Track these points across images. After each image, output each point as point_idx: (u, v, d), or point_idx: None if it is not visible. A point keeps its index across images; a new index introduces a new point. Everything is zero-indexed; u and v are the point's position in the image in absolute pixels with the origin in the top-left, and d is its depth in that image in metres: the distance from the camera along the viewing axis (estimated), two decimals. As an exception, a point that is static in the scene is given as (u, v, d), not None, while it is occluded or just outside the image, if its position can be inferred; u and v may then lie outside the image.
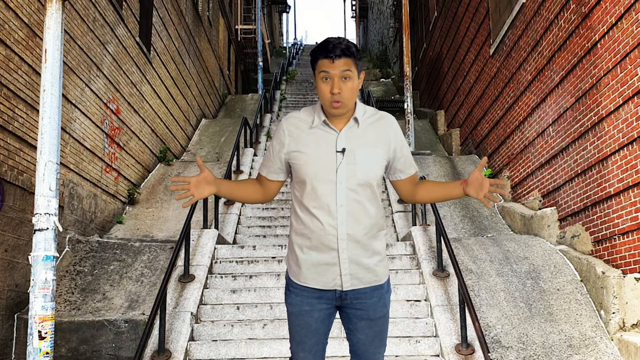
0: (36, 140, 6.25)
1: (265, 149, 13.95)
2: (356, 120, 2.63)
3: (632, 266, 5.96)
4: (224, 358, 5.90)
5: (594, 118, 6.82)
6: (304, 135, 2.62)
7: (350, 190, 2.56)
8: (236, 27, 25.08)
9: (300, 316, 2.74)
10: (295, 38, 46.04)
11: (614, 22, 6.31)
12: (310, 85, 24.18)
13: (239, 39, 25.31)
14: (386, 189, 10.71)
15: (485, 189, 2.60)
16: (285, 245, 8.08)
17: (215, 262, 7.58)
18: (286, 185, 10.11)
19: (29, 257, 4.13)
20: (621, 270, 6.15)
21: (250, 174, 11.49)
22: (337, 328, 5.84)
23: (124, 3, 10.32)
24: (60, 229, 4.24)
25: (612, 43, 6.38)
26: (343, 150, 2.57)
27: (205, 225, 8.19)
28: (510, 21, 9.84)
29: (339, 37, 2.60)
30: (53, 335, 4.08)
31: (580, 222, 7.23)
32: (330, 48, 2.53)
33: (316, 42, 48.71)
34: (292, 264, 2.74)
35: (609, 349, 5.88)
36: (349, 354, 2.96)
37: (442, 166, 11.87)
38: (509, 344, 5.95)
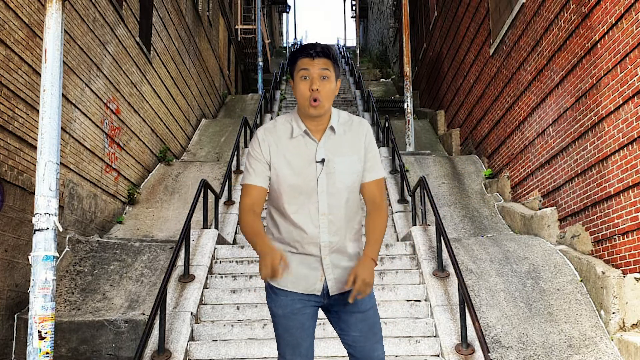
0: (36, 140, 6.25)
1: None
2: (332, 129, 2.66)
3: (632, 266, 5.96)
4: (224, 358, 5.90)
5: (594, 118, 6.82)
6: (283, 145, 2.63)
7: (331, 198, 2.60)
8: (236, 27, 25.08)
9: (293, 316, 2.68)
10: (295, 38, 46.04)
11: (614, 22, 6.31)
12: (310, 85, 24.17)
13: (239, 39, 25.31)
14: (386, 188, 10.72)
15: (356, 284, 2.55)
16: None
17: (215, 262, 7.58)
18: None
19: (29, 257, 4.13)
20: (621, 270, 6.15)
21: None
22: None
23: (124, 3, 10.32)
24: (60, 229, 4.24)
25: (612, 43, 6.38)
26: (322, 161, 2.60)
27: (205, 225, 8.19)
28: (510, 21, 9.84)
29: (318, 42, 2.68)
30: (53, 335, 4.08)
31: (580, 222, 7.23)
32: (311, 46, 2.62)
33: (316, 42, 48.57)
34: None
35: (609, 349, 5.88)
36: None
37: (442, 166, 11.87)
38: (509, 344, 5.95)
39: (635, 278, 5.86)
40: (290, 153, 2.62)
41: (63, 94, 7.58)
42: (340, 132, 2.68)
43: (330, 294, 2.68)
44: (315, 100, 2.57)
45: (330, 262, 2.64)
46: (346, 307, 2.70)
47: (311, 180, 2.59)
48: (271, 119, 17.04)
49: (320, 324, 5.52)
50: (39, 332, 3.99)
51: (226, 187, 9.84)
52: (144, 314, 6.39)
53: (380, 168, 2.78)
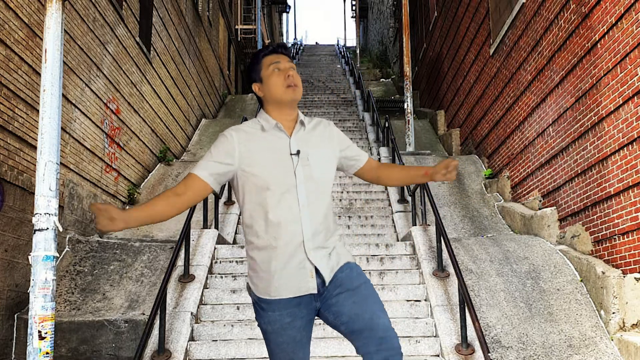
0: (36, 140, 6.25)
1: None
2: (302, 122, 2.67)
3: (632, 266, 5.96)
4: (224, 358, 5.90)
5: (594, 118, 6.82)
6: (255, 141, 2.59)
7: (309, 191, 2.57)
8: (236, 27, 25.08)
9: (283, 331, 2.58)
10: (295, 38, 46.05)
11: (614, 22, 6.31)
12: (310, 85, 24.17)
13: (239, 39, 25.31)
14: (386, 189, 10.72)
15: (449, 167, 2.72)
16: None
17: (215, 262, 7.58)
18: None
19: (29, 257, 4.13)
20: (621, 270, 6.15)
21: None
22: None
23: (124, 3, 10.32)
24: (60, 229, 4.24)
25: (612, 43, 6.38)
26: (298, 153, 2.59)
27: (205, 225, 8.19)
28: (510, 21, 9.84)
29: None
30: (53, 335, 4.08)
31: (580, 222, 7.23)
32: (274, 45, 2.69)
33: (316, 42, 48.75)
34: (257, 282, 2.61)
35: (609, 349, 5.88)
36: (356, 354, 2.78)
37: (442, 166, 11.85)
38: (509, 344, 5.95)
39: (635, 278, 5.86)
40: (263, 148, 2.58)
41: (63, 94, 7.58)
42: (310, 128, 2.70)
43: (327, 282, 2.56)
44: (292, 85, 2.61)
45: (315, 255, 2.55)
46: (334, 292, 2.56)
47: (288, 173, 2.55)
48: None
49: (320, 323, 5.52)
50: (39, 332, 3.99)
51: (226, 187, 9.84)
52: (144, 314, 6.39)
53: (363, 151, 2.89)
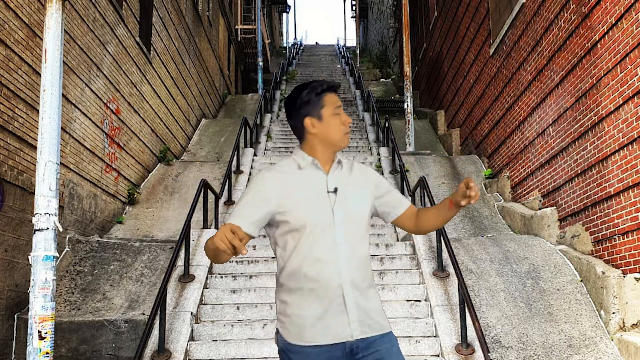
0: (36, 140, 6.25)
1: (264, 151, 13.94)
2: (340, 162, 2.58)
3: (632, 266, 5.96)
4: (224, 358, 5.90)
5: (594, 118, 6.82)
6: (291, 179, 2.48)
7: (348, 229, 2.45)
8: (236, 27, 25.07)
9: None
10: (295, 38, 46.04)
11: (614, 22, 6.31)
12: (310, 85, 24.16)
13: (239, 39, 25.31)
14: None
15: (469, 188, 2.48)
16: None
17: (215, 262, 7.57)
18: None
19: (29, 257, 4.13)
20: (621, 270, 6.15)
21: (250, 174, 11.49)
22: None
23: (124, 3, 10.32)
24: (60, 229, 4.24)
25: (612, 43, 6.38)
26: (335, 190, 2.48)
27: (205, 225, 8.19)
28: (510, 21, 9.84)
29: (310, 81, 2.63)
30: (53, 335, 4.08)
31: (580, 222, 7.23)
32: (329, 83, 2.55)
33: (316, 42, 48.67)
34: (290, 327, 2.41)
35: (609, 349, 5.88)
36: None
37: (442, 166, 11.87)
38: (509, 344, 5.95)
39: (635, 278, 5.86)
40: (299, 187, 2.46)
41: (63, 94, 7.58)
42: (347, 168, 2.60)
43: (353, 338, 2.39)
44: (348, 134, 2.54)
45: (353, 300, 2.39)
46: (371, 358, 2.42)
47: (326, 211, 2.43)
48: (271, 119, 17.03)
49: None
50: (39, 332, 3.99)
51: (226, 187, 9.84)
52: (144, 314, 6.39)
53: (404, 198, 2.70)
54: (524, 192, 9.37)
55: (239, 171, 11.28)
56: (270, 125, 16.20)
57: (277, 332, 2.49)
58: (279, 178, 2.48)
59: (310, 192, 2.46)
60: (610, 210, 6.43)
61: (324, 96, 2.52)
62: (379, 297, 2.56)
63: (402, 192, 10.03)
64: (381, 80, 26.77)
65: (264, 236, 9.17)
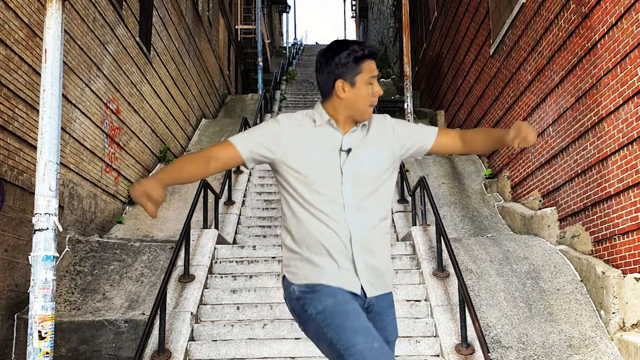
0: (36, 140, 6.25)
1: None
2: (364, 126, 2.47)
3: (632, 266, 5.96)
4: (224, 358, 5.90)
5: (594, 118, 6.82)
6: (306, 132, 2.41)
7: (357, 188, 2.37)
8: (236, 27, 25.08)
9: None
10: (295, 38, 46.03)
11: (614, 22, 6.31)
12: (310, 85, 24.17)
13: (239, 39, 25.31)
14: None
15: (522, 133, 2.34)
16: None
17: (215, 262, 7.58)
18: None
19: (29, 257, 4.13)
20: (621, 270, 6.15)
21: (250, 174, 11.50)
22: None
23: (124, 3, 10.32)
24: (60, 229, 4.24)
25: (612, 43, 6.38)
26: (349, 150, 2.39)
27: (205, 225, 8.19)
28: (510, 21, 9.84)
29: (351, 39, 2.48)
30: (53, 335, 4.08)
31: (580, 222, 7.23)
32: (371, 47, 2.39)
33: (316, 42, 48.68)
34: (298, 271, 2.37)
35: (609, 349, 5.88)
36: None
37: (442, 166, 11.87)
38: (509, 344, 5.95)
39: (635, 278, 5.86)
40: (313, 140, 2.39)
41: (63, 94, 7.58)
42: (366, 128, 2.49)
43: (368, 296, 2.36)
44: (373, 106, 2.42)
45: (362, 260, 2.34)
46: (376, 324, 2.37)
47: (334, 169, 2.36)
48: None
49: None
50: (39, 332, 3.99)
51: (226, 187, 9.85)
52: (144, 314, 6.39)
53: (429, 128, 2.56)
54: (524, 192, 9.37)
55: (239, 171, 11.29)
56: (270, 125, 16.17)
57: (284, 279, 2.42)
58: (296, 129, 2.41)
59: (322, 148, 2.39)
60: (610, 210, 6.43)
61: (363, 63, 2.38)
62: (389, 252, 2.50)
63: (402, 192, 10.04)
64: (381, 80, 26.78)
65: (264, 236, 9.18)
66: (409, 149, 2.54)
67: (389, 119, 2.55)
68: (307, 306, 2.31)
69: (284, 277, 2.46)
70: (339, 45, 2.40)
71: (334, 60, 2.38)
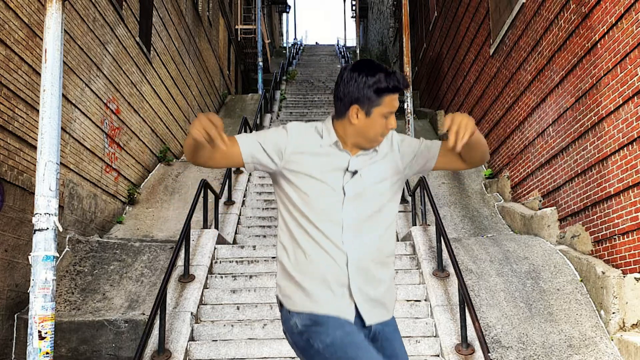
0: (36, 140, 6.25)
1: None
2: (376, 150, 2.34)
3: (632, 266, 5.96)
4: (224, 358, 5.90)
5: (594, 118, 6.82)
6: (310, 148, 2.30)
7: (357, 210, 2.27)
8: (236, 27, 25.07)
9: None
10: (295, 38, 46.00)
11: (614, 22, 6.31)
12: (310, 85, 24.18)
13: (239, 39, 25.31)
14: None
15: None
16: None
17: (215, 262, 7.58)
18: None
19: (29, 257, 4.13)
20: (621, 270, 6.15)
21: (250, 174, 11.49)
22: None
23: (124, 3, 10.32)
24: (60, 229, 4.24)
25: (612, 43, 6.38)
26: (355, 172, 2.28)
27: (205, 225, 8.19)
28: (510, 21, 9.84)
29: (383, 65, 2.27)
30: (53, 335, 4.08)
31: (580, 222, 7.23)
32: (399, 81, 2.21)
33: (316, 42, 48.65)
34: (301, 294, 2.26)
35: (609, 349, 5.88)
36: None
37: (442, 166, 11.87)
38: (509, 344, 5.95)
39: (635, 278, 5.86)
40: (317, 157, 2.29)
41: (63, 94, 7.58)
42: (380, 151, 2.37)
43: (367, 323, 2.26)
44: (383, 138, 2.30)
45: (357, 285, 2.24)
46: (382, 351, 2.28)
47: (336, 187, 2.26)
48: (271, 119, 17.04)
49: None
50: (39, 332, 3.99)
51: (226, 187, 9.85)
52: (144, 314, 6.39)
53: (432, 142, 2.44)
54: (524, 192, 9.37)
55: (238, 171, 11.28)
56: (270, 125, 16.21)
57: (284, 309, 2.31)
58: (303, 139, 2.30)
59: (326, 166, 2.28)
60: (610, 210, 6.43)
61: (385, 96, 2.21)
62: (391, 275, 2.38)
63: (402, 192, 10.02)
64: (381, 80, 26.72)
65: (264, 236, 9.18)
66: (416, 165, 2.43)
67: (395, 135, 2.43)
68: (312, 340, 2.20)
69: (280, 303, 2.35)
70: (367, 68, 2.22)
71: (357, 82, 2.21)
